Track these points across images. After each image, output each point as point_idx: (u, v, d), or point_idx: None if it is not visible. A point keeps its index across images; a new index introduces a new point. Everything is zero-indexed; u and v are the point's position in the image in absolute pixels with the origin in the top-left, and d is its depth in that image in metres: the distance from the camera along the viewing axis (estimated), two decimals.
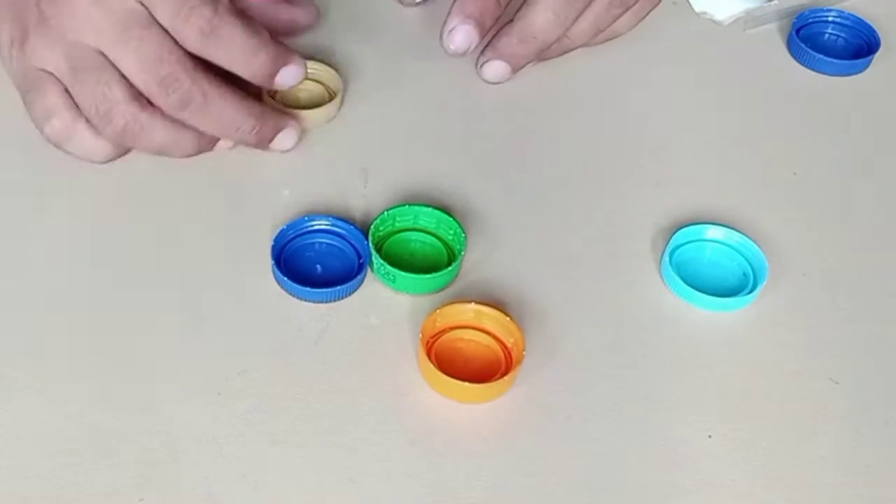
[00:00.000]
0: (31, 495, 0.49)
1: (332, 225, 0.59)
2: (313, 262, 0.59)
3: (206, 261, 0.59)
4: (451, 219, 0.59)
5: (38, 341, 0.55)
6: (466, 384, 0.53)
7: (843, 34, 0.75)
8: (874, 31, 0.74)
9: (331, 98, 0.66)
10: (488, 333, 0.56)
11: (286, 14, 0.67)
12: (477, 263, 0.60)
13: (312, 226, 0.59)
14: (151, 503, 0.50)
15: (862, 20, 0.75)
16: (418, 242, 0.60)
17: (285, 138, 0.62)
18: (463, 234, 0.59)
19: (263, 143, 0.62)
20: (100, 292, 0.57)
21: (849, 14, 0.75)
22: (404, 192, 0.62)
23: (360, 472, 0.51)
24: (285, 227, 0.59)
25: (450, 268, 0.58)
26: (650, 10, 0.71)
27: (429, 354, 0.54)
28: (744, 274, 0.60)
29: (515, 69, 0.68)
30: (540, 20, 0.66)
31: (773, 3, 0.75)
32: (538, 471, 0.52)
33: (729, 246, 0.61)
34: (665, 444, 0.53)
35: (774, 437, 0.54)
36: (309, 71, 0.64)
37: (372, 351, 0.56)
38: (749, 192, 0.63)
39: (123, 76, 0.57)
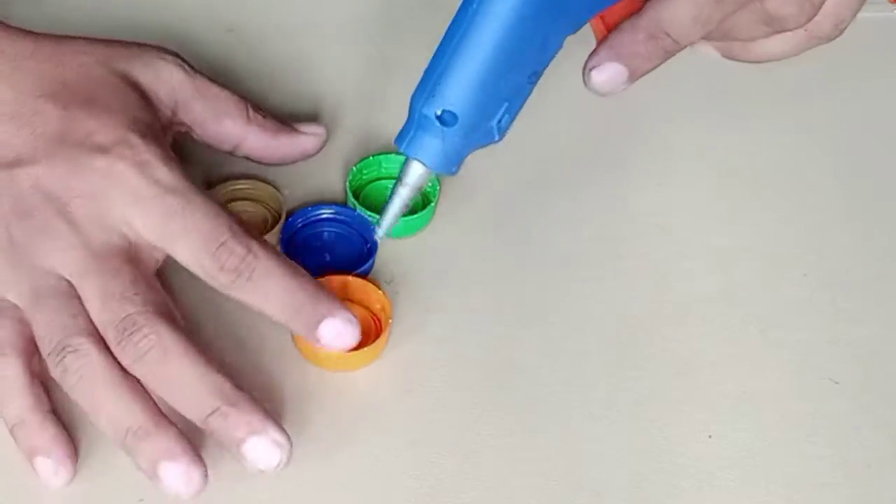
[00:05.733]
0: (32, 495, 0.50)
1: (337, 213, 0.60)
2: (321, 252, 0.59)
3: None
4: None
5: None
6: (337, 354, 0.52)
7: None
8: None
9: (274, 221, 0.60)
10: (357, 303, 0.56)
11: (293, 147, 0.60)
12: (475, 260, 0.60)
13: (319, 215, 0.60)
14: (151, 503, 0.50)
15: None
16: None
17: (264, 456, 0.48)
18: (438, 185, 0.60)
19: (231, 441, 0.48)
20: None
21: None
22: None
23: (361, 471, 0.52)
24: (292, 217, 0.59)
25: (425, 210, 0.60)
26: (815, 45, 0.61)
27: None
28: None
29: (635, 76, 0.55)
30: (679, 14, 0.54)
31: None
32: (538, 470, 0.52)
33: None
34: (665, 444, 0.53)
35: (774, 437, 0.54)
36: (247, 190, 0.60)
37: None
38: (749, 192, 0.63)
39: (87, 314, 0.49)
